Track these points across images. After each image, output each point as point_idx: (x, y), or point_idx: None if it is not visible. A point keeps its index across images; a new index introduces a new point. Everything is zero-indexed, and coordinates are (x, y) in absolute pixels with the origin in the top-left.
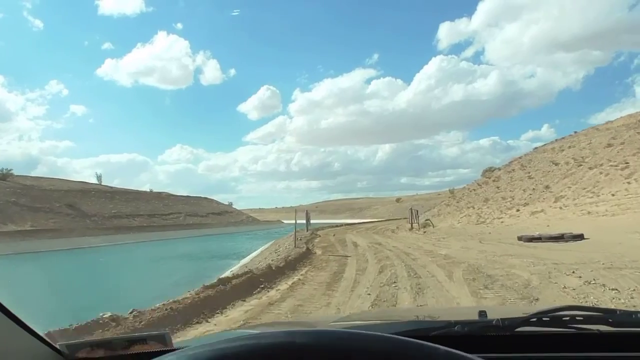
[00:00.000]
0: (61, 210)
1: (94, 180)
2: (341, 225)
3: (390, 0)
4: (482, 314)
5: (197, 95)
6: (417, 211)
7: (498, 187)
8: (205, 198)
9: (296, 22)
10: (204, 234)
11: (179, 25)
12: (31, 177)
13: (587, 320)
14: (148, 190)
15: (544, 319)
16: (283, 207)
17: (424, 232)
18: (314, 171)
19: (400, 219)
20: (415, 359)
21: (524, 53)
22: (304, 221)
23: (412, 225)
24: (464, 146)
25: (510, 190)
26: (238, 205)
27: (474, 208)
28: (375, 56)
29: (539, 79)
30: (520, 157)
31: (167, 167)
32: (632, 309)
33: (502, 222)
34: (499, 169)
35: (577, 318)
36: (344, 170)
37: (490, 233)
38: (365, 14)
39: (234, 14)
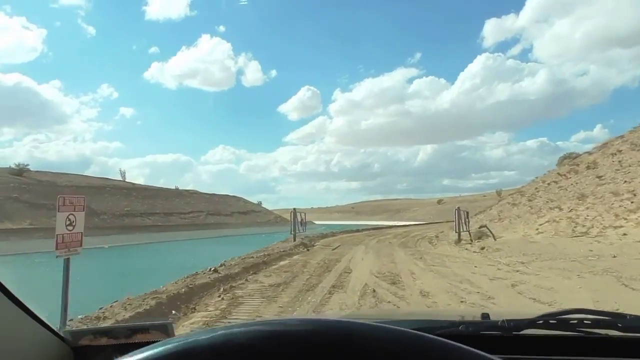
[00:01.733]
0: None
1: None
2: (367, 229)
3: None
4: (485, 316)
5: (239, 97)
6: (467, 213)
7: (600, 177)
8: (234, 196)
9: (337, 23)
10: (217, 235)
11: (222, 28)
12: (51, 172)
13: (596, 324)
14: (173, 187)
15: (551, 321)
16: (319, 208)
17: (482, 247)
18: (354, 172)
19: (441, 222)
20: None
21: (576, 50)
22: (340, 222)
23: (459, 235)
24: (509, 148)
25: (627, 181)
26: (278, 206)
27: (561, 209)
28: (418, 55)
29: (591, 77)
30: (628, 133)
31: (209, 167)
32: None
33: (623, 234)
34: (589, 153)
35: (585, 322)
36: (384, 172)
37: (615, 256)
38: (407, 12)
39: (242, 3)
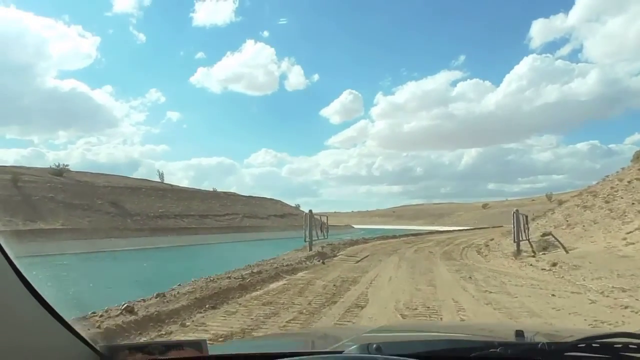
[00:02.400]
0: (102, 208)
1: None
2: (406, 234)
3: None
4: (519, 333)
5: (282, 101)
6: (527, 217)
7: None
8: (271, 199)
9: (380, 26)
10: (252, 239)
11: (265, 33)
12: (91, 173)
13: None
14: (211, 189)
15: (593, 345)
16: (359, 212)
17: (552, 263)
18: (396, 176)
19: (487, 227)
20: None
21: (630, 48)
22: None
23: (519, 245)
24: (558, 150)
25: None
26: (319, 209)
27: None
28: (462, 57)
29: None
30: None
31: (252, 170)
32: None
33: None
34: None
35: (631, 346)
36: (427, 176)
37: None
38: (451, 14)
39: (281, 22)
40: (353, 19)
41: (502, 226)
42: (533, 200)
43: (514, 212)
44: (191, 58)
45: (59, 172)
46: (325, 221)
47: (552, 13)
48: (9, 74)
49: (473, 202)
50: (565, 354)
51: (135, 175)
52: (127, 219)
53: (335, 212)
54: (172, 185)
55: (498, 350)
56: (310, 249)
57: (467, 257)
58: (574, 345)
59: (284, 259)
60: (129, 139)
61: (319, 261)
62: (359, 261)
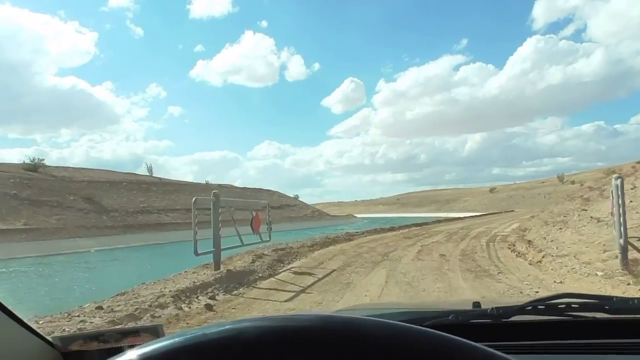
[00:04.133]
0: (74, 204)
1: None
2: (409, 225)
3: None
4: (476, 304)
5: (283, 92)
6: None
7: None
8: (267, 190)
9: (380, 11)
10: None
11: (264, 23)
12: (72, 168)
13: (583, 307)
14: (204, 182)
15: (539, 307)
16: (362, 201)
17: None
18: (400, 164)
19: (499, 213)
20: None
21: (635, 27)
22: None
23: (625, 247)
24: (563, 133)
25: None
26: (323, 199)
27: None
28: (464, 41)
29: None
30: None
31: (256, 163)
32: (629, 296)
33: None
34: None
35: (573, 305)
36: (431, 162)
37: None
38: None
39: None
40: (352, 5)
41: (513, 210)
42: (543, 182)
43: (616, 182)
44: (190, 51)
45: (34, 167)
46: (266, 209)
47: None
48: (7, 72)
49: (479, 187)
50: (513, 317)
51: (139, 172)
52: (102, 215)
53: (339, 201)
54: (160, 179)
55: (450, 317)
56: (218, 267)
57: (506, 267)
58: (521, 308)
59: (134, 298)
60: (131, 135)
61: (211, 298)
62: (298, 293)
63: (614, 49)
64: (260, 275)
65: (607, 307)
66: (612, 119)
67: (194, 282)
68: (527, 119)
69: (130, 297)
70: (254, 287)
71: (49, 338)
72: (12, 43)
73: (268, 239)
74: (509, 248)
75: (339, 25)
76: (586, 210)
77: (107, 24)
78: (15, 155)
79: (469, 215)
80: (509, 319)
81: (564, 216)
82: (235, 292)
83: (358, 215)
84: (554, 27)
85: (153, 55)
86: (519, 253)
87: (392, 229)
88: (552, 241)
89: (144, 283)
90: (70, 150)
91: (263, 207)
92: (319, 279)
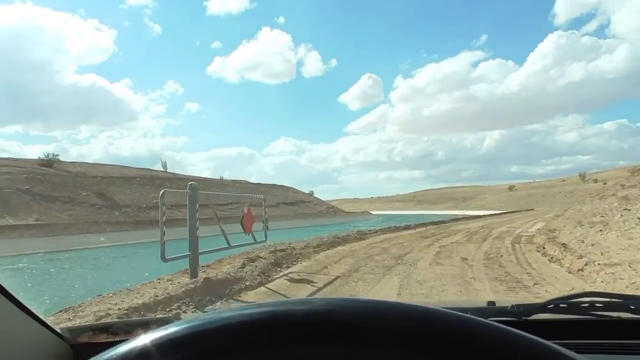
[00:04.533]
0: (86, 200)
1: (197, 172)
2: (426, 223)
3: None
4: (491, 303)
5: (300, 88)
6: None
7: None
8: (282, 186)
9: (398, 7)
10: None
11: (281, 19)
12: (87, 164)
13: (607, 307)
14: (218, 177)
15: (561, 305)
16: (378, 197)
17: None
18: (417, 161)
19: (519, 211)
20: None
21: None
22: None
23: None
24: (583, 131)
25: None
26: (339, 196)
27: None
28: (484, 37)
29: None
30: None
31: (272, 159)
32: None
33: None
34: None
35: (597, 305)
36: (449, 159)
37: None
38: None
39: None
40: (369, 2)
41: (533, 209)
42: (564, 180)
43: None
44: (207, 48)
45: (49, 162)
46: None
47: None
48: (29, 71)
49: (498, 185)
50: (534, 315)
51: (156, 168)
52: (114, 211)
53: (355, 198)
54: (174, 174)
55: (469, 314)
56: (195, 275)
57: (541, 274)
58: (542, 306)
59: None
60: (149, 132)
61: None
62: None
63: (638, 45)
64: (247, 283)
65: (632, 307)
66: (636, 117)
67: (156, 296)
68: (547, 117)
69: (70, 315)
70: (237, 299)
71: (57, 329)
72: (34, 43)
73: (264, 239)
74: (538, 251)
75: (357, 21)
76: (629, 210)
77: (125, 21)
78: (35, 152)
79: (487, 213)
80: (530, 317)
81: (601, 216)
82: (209, 307)
83: (373, 212)
84: (577, 23)
85: (170, 52)
86: (552, 258)
87: (407, 227)
88: (592, 245)
89: (101, 295)
90: (90, 146)
91: (259, 202)
92: (318, 289)
